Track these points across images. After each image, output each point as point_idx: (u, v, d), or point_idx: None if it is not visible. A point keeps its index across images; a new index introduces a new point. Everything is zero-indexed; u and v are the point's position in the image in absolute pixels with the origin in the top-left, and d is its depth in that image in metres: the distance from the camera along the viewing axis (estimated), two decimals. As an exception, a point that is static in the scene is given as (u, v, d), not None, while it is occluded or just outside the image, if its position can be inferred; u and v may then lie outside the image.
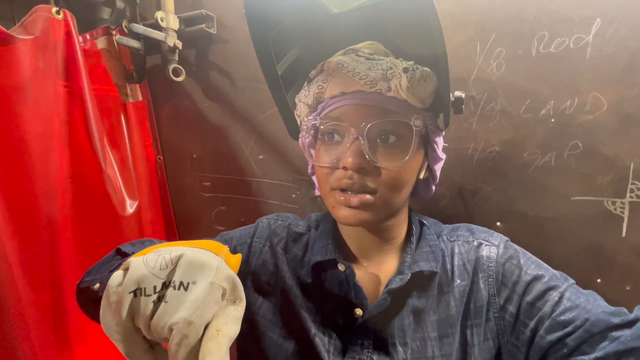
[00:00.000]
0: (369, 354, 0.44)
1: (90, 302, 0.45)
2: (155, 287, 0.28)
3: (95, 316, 0.47)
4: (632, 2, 0.55)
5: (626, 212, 0.60)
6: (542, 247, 0.65)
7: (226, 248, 0.35)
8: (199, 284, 0.28)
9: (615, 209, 0.61)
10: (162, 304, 0.28)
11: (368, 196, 0.42)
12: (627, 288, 0.62)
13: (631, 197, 0.59)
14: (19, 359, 0.67)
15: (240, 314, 0.31)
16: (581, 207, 0.62)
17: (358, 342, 0.45)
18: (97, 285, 0.42)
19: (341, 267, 0.47)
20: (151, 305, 0.28)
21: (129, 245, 0.49)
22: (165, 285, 0.29)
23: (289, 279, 0.50)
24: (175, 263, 0.29)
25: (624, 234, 0.61)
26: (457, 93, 0.46)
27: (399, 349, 0.44)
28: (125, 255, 0.46)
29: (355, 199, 0.42)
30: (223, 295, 0.29)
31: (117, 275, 0.30)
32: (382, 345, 0.44)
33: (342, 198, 0.43)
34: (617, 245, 0.61)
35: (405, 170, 0.44)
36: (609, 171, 0.60)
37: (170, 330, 0.27)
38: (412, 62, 0.43)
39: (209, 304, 0.28)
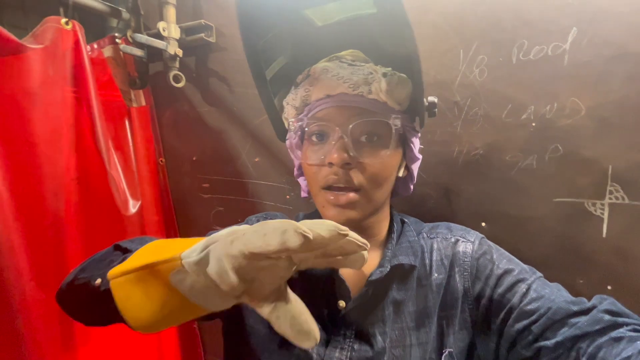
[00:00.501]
0: (351, 343, 0.46)
1: (85, 298, 0.44)
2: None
3: (86, 315, 0.47)
4: (604, 13, 0.57)
5: (606, 214, 0.62)
6: (525, 247, 0.67)
7: None
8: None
9: (595, 210, 0.63)
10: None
11: (353, 194, 0.46)
12: (609, 288, 0.63)
13: (610, 198, 0.61)
14: (25, 356, 0.70)
15: None
16: (562, 208, 0.64)
17: (341, 332, 0.47)
18: (98, 281, 0.41)
19: None
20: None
21: (128, 242, 0.49)
22: None
23: None
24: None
25: (604, 235, 0.62)
26: (431, 98, 0.50)
27: (379, 338, 0.46)
28: (126, 251, 0.45)
29: (343, 198, 0.46)
30: None
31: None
32: (363, 334, 0.47)
33: (332, 197, 0.46)
34: (598, 245, 0.63)
35: (386, 166, 0.47)
36: (588, 173, 0.62)
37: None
38: (390, 69, 0.47)
39: None
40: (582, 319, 0.39)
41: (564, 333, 0.39)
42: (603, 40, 0.58)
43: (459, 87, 0.68)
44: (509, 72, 0.64)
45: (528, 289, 0.44)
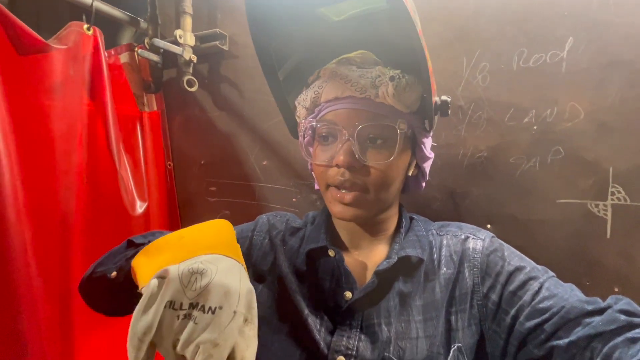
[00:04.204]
0: (357, 333, 0.46)
1: (103, 290, 0.48)
2: (182, 304, 0.32)
3: (106, 305, 0.50)
4: (599, 24, 0.61)
5: (609, 214, 0.63)
6: (531, 249, 0.66)
7: (238, 248, 0.41)
8: (225, 310, 0.32)
9: (598, 211, 0.64)
10: (191, 323, 0.31)
11: (360, 193, 0.47)
12: (616, 289, 0.64)
13: (612, 199, 0.63)
14: (27, 350, 0.69)
15: (255, 332, 0.35)
16: (566, 210, 0.66)
17: (347, 322, 0.47)
18: (114, 273, 0.45)
19: (331, 253, 0.51)
20: (177, 320, 0.32)
21: (140, 237, 0.51)
22: (193, 306, 0.32)
23: (285, 267, 0.53)
24: (204, 287, 0.33)
25: (608, 236, 0.63)
26: (444, 97, 0.51)
27: (384, 328, 0.46)
28: (138, 247, 0.48)
29: (348, 196, 0.47)
30: (244, 320, 0.34)
31: (154, 283, 0.33)
32: (369, 325, 0.47)
33: (338, 195, 0.48)
34: (603, 246, 0.64)
35: (392, 168, 0.48)
36: (590, 175, 0.64)
37: (196, 348, 0.31)
38: (399, 71, 0.48)
39: (232, 330, 0.32)
40: (597, 319, 0.38)
41: (578, 332, 0.38)
42: (599, 49, 0.62)
43: (463, 92, 0.71)
44: (510, 78, 0.67)
45: (540, 287, 0.43)
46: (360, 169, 0.46)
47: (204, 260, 0.35)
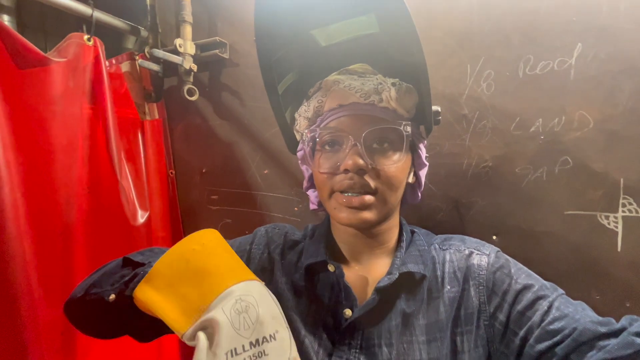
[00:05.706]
0: (357, 354, 0.45)
1: (99, 312, 0.46)
2: (244, 346, 0.34)
3: (97, 327, 0.48)
4: (608, 30, 0.59)
5: (620, 227, 0.61)
6: (538, 261, 0.66)
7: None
8: (280, 331, 0.36)
9: (609, 224, 0.62)
10: (264, 357, 0.34)
11: (368, 196, 0.46)
12: (627, 305, 0.61)
13: (624, 211, 0.61)
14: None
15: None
16: (575, 222, 0.64)
17: (346, 342, 0.46)
18: (112, 296, 0.43)
19: (331, 268, 0.50)
20: None
21: (138, 255, 0.48)
22: (253, 344, 0.34)
23: (282, 283, 0.52)
24: (255, 322, 0.35)
25: (619, 249, 0.61)
26: (434, 107, 0.52)
27: (384, 349, 0.45)
28: (136, 265, 0.46)
29: (356, 200, 0.46)
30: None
31: (204, 338, 0.34)
32: (369, 345, 0.45)
33: (344, 200, 0.46)
34: (614, 260, 0.62)
35: (399, 170, 0.48)
36: (600, 186, 0.62)
37: None
38: (397, 79, 0.48)
39: (293, 344, 0.37)
40: (612, 342, 0.36)
41: (592, 357, 0.36)
42: (608, 56, 0.60)
43: (467, 101, 0.69)
44: (516, 86, 0.65)
45: (550, 307, 0.42)
46: (368, 172, 0.46)
47: (241, 296, 0.36)
